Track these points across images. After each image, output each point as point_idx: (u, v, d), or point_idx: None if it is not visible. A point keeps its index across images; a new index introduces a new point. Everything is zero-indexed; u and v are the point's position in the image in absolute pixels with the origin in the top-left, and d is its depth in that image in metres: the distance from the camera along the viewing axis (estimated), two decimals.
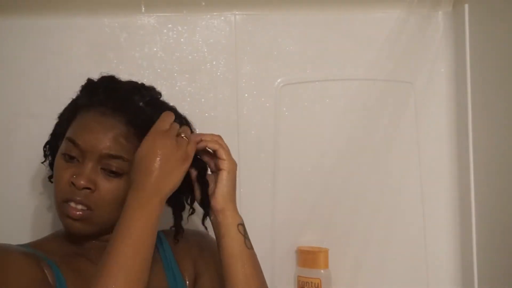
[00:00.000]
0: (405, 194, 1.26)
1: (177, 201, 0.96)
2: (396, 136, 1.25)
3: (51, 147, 0.98)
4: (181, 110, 1.20)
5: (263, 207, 1.23)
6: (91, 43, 1.21)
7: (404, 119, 1.25)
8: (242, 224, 0.92)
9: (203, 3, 1.23)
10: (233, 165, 0.93)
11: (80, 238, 0.92)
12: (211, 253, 0.98)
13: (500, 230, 1.09)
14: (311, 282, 1.20)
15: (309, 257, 1.21)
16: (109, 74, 0.97)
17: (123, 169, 0.88)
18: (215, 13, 1.23)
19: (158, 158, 0.82)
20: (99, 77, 0.97)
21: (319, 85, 1.25)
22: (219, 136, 0.94)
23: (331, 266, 1.21)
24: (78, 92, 0.97)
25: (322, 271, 1.20)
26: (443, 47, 1.25)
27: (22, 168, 1.16)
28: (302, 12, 1.25)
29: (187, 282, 0.97)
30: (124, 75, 1.19)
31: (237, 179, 1.21)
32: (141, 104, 0.93)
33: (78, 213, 0.87)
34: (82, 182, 0.86)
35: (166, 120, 0.87)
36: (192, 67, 1.23)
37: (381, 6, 1.25)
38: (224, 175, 0.91)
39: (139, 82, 0.99)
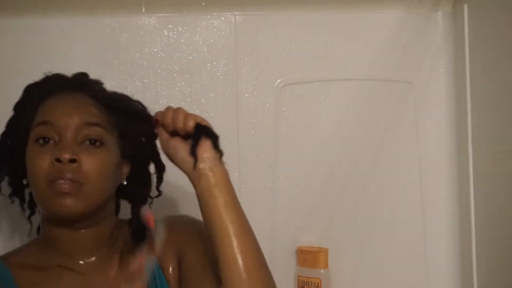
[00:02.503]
0: (404, 193, 1.26)
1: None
2: (395, 136, 1.25)
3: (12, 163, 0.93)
4: None
5: (263, 207, 1.23)
6: (91, 43, 1.21)
7: (403, 119, 1.26)
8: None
9: (203, 3, 1.23)
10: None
11: (72, 222, 0.87)
12: (191, 231, 0.93)
13: (499, 228, 1.09)
14: (311, 282, 1.20)
15: (309, 257, 1.21)
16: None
17: (102, 138, 0.87)
18: (215, 13, 1.23)
19: None
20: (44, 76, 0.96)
21: (319, 85, 1.25)
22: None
23: (331, 266, 1.21)
24: (24, 98, 0.94)
25: (322, 271, 1.20)
26: (442, 47, 1.26)
27: None
28: (302, 12, 1.25)
29: (170, 272, 0.93)
30: (124, 75, 1.21)
31: (237, 179, 1.23)
32: (96, 84, 0.95)
33: (68, 186, 0.82)
34: (67, 155, 0.83)
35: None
36: (192, 67, 1.23)
37: (381, 6, 1.25)
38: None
39: None
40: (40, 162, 0.85)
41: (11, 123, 0.94)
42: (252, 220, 1.22)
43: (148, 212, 0.90)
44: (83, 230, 0.89)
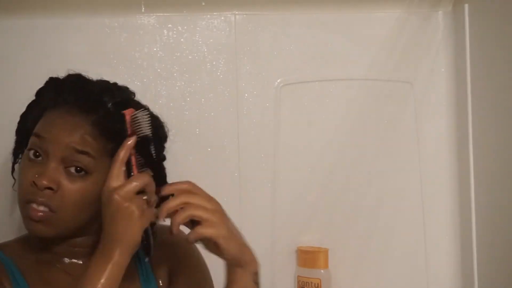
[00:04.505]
0: (405, 194, 1.26)
1: None
2: (396, 136, 1.25)
3: (21, 148, 0.94)
4: (181, 110, 1.21)
5: (263, 207, 1.23)
6: (91, 43, 1.21)
7: (404, 119, 1.26)
8: (257, 274, 0.87)
9: (203, 3, 1.23)
10: (223, 227, 0.82)
11: (45, 241, 0.89)
12: (187, 257, 0.96)
13: (500, 228, 1.09)
14: (311, 282, 1.20)
15: (309, 257, 1.21)
16: (76, 72, 0.94)
17: (88, 168, 0.85)
18: (215, 13, 1.23)
19: (117, 223, 0.79)
20: (67, 75, 0.94)
21: (319, 85, 1.25)
22: (191, 189, 0.85)
23: (331, 266, 1.21)
24: (41, 91, 0.94)
25: (322, 271, 1.20)
26: (443, 47, 1.25)
27: None
28: (302, 12, 1.25)
29: (161, 284, 0.95)
30: (124, 75, 1.20)
31: (237, 178, 1.23)
32: (109, 105, 0.89)
33: (39, 214, 0.83)
34: (44, 182, 0.83)
35: (116, 175, 0.80)
36: (192, 67, 1.23)
37: (381, 6, 1.25)
38: (221, 245, 0.82)
39: (111, 82, 0.95)
40: (24, 177, 0.86)
41: (31, 106, 0.94)
42: (252, 220, 1.23)
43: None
44: (69, 238, 0.90)
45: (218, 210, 0.84)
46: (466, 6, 1.19)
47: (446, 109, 1.26)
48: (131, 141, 0.82)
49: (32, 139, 0.87)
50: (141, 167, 0.84)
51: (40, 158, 0.86)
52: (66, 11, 1.20)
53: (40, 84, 1.18)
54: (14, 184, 0.97)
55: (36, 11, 1.20)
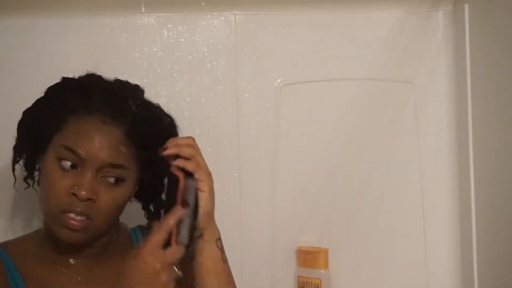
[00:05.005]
0: (405, 193, 1.26)
1: (155, 198, 0.97)
2: (396, 136, 1.25)
3: (28, 146, 0.93)
4: (181, 110, 1.21)
5: (263, 207, 1.23)
6: (91, 43, 1.21)
7: (404, 119, 1.26)
8: (220, 239, 0.91)
9: (203, 3, 1.23)
10: (211, 183, 0.88)
11: (68, 245, 0.88)
12: None
13: (500, 228, 1.09)
14: (311, 282, 1.20)
15: (309, 257, 1.21)
16: (93, 73, 0.94)
17: (122, 177, 0.87)
18: (215, 13, 1.23)
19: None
20: (86, 76, 0.93)
21: (319, 85, 1.25)
22: (194, 148, 0.90)
23: (331, 266, 1.21)
24: (63, 92, 0.91)
25: (322, 271, 1.20)
26: (443, 47, 1.25)
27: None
28: (302, 12, 1.25)
29: None
30: (124, 75, 1.18)
31: (238, 179, 1.23)
32: (134, 108, 0.90)
33: (77, 223, 0.84)
34: (84, 193, 0.83)
35: (158, 242, 0.80)
36: (192, 67, 1.23)
37: (381, 6, 1.25)
38: (205, 197, 0.87)
39: (124, 80, 0.96)
40: (57, 188, 0.85)
41: (40, 105, 0.92)
42: (252, 220, 1.23)
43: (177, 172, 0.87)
44: (90, 241, 0.90)
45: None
46: (466, 6, 1.19)
47: (447, 109, 1.26)
48: (182, 212, 0.83)
49: (65, 152, 0.86)
50: (180, 237, 0.83)
51: (73, 168, 0.85)
52: (66, 11, 1.20)
53: (41, 84, 1.18)
54: (14, 183, 0.97)
55: (36, 11, 1.20)
